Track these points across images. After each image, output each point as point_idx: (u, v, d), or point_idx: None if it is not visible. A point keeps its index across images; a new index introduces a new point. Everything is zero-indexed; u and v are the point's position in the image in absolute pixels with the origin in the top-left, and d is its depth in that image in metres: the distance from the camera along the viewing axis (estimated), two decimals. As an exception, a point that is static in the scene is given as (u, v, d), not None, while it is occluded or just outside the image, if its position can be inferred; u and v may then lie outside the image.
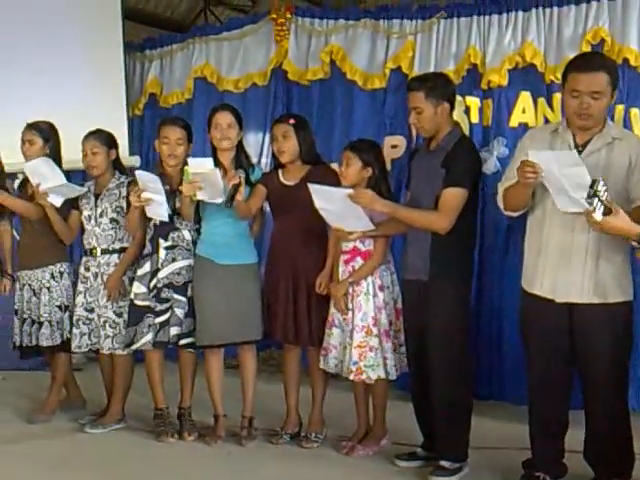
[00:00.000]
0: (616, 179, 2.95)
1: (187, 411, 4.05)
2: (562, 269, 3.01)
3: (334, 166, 4.44)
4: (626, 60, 4.13)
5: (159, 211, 3.82)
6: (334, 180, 3.67)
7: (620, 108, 4.16)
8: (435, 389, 3.40)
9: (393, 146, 4.61)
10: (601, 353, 2.99)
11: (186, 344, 3.94)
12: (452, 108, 3.45)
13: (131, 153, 5.49)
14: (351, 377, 3.62)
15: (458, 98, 4.40)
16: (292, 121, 3.81)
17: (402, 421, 3.83)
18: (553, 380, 3.11)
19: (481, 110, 4.48)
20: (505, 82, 4.39)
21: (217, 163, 3.81)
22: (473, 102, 4.47)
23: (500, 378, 4.38)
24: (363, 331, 3.59)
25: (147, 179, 3.78)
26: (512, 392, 4.21)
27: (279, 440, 3.91)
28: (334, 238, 3.75)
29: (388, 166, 4.19)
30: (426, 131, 3.44)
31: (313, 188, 3.44)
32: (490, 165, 4.37)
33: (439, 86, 3.41)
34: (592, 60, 3.02)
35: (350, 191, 3.38)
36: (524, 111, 4.37)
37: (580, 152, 2.97)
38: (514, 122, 4.39)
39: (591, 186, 2.56)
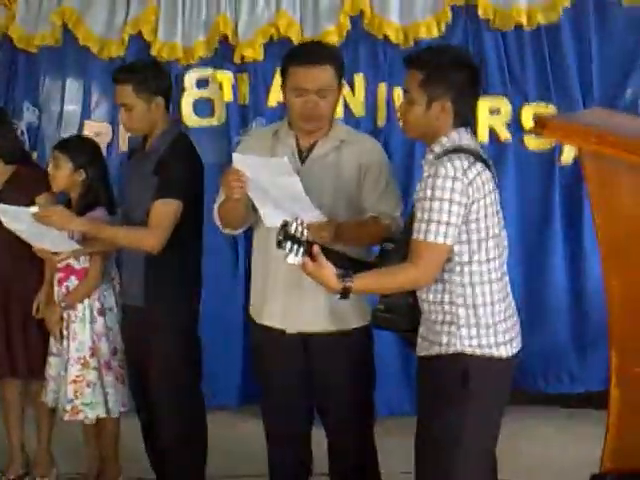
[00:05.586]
0: (346, 187, 2.54)
1: None
2: (293, 293, 2.55)
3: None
4: (386, 36, 3.77)
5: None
6: (45, 185, 3.09)
7: (382, 87, 3.83)
8: (160, 424, 2.95)
9: (96, 134, 3.88)
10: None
11: None
12: (168, 103, 2.90)
13: None
14: (66, 418, 3.07)
15: (209, 72, 3.95)
16: None
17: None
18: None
19: (235, 87, 3.95)
20: (261, 57, 3.88)
21: None
22: (226, 77, 3.94)
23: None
24: (79, 363, 3.04)
25: None
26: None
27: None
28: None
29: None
30: (136, 132, 2.94)
31: None
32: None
33: (151, 78, 2.82)
34: (316, 51, 2.54)
35: (35, 210, 2.75)
36: (283, 89, 3.89)
37: (305, 158, 2.54)
38: (272, 101, 3.90)
39: (282, 227, 2.05)
